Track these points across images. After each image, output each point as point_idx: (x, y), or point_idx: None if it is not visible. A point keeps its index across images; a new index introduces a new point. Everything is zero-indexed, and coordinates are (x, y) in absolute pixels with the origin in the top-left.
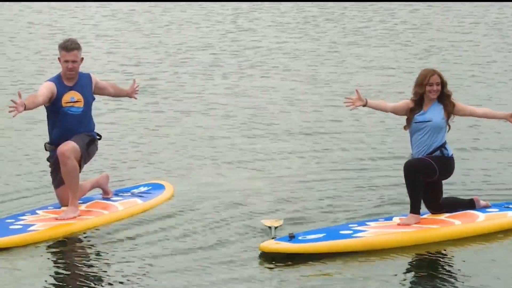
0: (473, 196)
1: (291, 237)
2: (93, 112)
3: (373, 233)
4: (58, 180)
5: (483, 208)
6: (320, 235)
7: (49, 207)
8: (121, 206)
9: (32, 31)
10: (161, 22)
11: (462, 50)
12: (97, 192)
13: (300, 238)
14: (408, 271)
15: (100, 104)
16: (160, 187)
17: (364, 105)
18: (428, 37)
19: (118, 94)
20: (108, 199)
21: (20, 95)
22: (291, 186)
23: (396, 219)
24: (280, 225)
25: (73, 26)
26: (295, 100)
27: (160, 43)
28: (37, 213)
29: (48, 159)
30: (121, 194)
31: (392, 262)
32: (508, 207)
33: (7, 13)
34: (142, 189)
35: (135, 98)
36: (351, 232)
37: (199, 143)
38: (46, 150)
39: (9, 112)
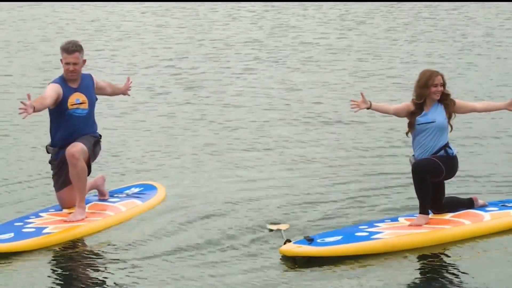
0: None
1: (309, 240)
2: (144, 106)
3: (390, 235)
4: (61, 182)
5: (482, 207)
6: (338, 238)
7: (50, 210)
8: (123, 207)
9: (71, 29)
10: (206, 17)
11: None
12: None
13: (319, 241)
14: (421, 273)
15: (145, 98)
16: (151, 188)
17: (368, 108)
18: (470, 33)
19: (114, 92)
20: (105, 200)
21: (29, 97)
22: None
23: (402, 220)
24: (287, 228)
25: (115, 22)
26: (340, 93)
27: (205, 38)
28: (41, 216)
29: (50, 162)
30: (116, 195)
31: (404, 263)
32: (505, 205)
33: (44, 11)
34: (134, 190)
35: (129, 95)
36: (367, 234)
37: (239, 135)
38: (48, 152)
39: (19, 114)
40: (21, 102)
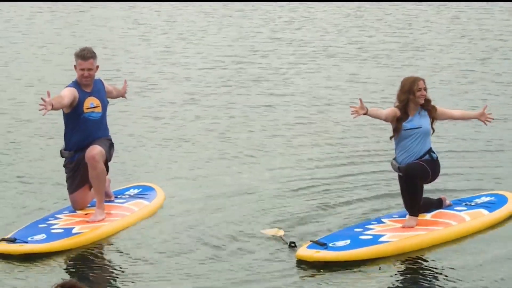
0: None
1: (322, 245)
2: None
3: (395, 237)
4: (76, 184)
5: (448, 207)
6: (347, 241)
7: (64, 212)
8: (135, 207)
9: (123, 32)
10: (280, 17)
11: None
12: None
13: (330, 245)
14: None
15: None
16: (149, 189)
17: (365, 114)
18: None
19: (117, 95)
20: (111, 201)
21: (48, 94)
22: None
23: (386, 221)
24: (284, 234)
25: (161, 25)
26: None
27: (278, 36)
28: (59, 217)
29: (65, 165)
30: (119, 196)
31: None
32: (468, 204)
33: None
34: (133, 191)
35: (126, 98)
36: (371, 237)
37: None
38: (62, 156)
39: (40, 110)
40: (41, 99)
